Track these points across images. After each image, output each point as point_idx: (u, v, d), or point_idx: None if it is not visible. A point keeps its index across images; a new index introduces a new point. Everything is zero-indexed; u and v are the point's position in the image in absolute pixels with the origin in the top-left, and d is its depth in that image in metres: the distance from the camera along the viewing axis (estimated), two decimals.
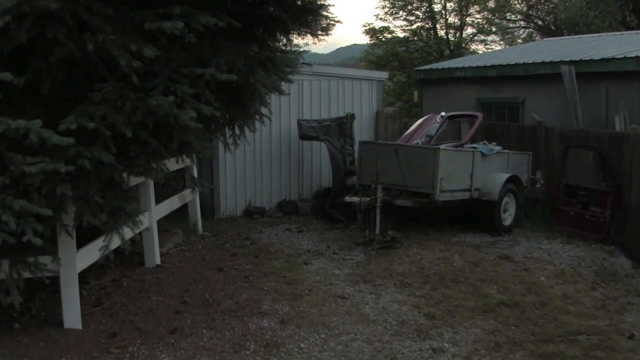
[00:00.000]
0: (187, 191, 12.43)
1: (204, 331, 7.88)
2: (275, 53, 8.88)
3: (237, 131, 9.87)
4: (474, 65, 18.83)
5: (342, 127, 15.19)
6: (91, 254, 7.92)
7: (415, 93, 21.43)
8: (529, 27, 39.57)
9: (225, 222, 14.42)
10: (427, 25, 35.33)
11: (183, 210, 12.68)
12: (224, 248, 11.98)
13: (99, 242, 7.65)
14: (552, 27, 36.30)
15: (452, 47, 34.72)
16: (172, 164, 10.10)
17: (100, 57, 6.37)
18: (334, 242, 12.59)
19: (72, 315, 7.70)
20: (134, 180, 7.88)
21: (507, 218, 13.72)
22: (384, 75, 17.62)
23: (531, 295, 9.53)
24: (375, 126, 16.92)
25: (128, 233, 7.82)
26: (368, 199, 12.43)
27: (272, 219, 14.96)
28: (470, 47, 35.95)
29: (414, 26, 35.22)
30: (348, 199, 12.64)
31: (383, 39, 35.43)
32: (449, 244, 12.54)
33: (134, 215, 7.04)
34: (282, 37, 9.43)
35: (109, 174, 6.50)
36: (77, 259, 7.54)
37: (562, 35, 30.52)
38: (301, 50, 10.30)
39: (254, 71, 8.12)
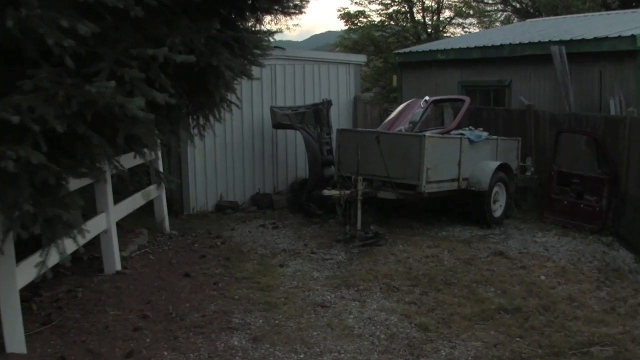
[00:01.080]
0: (152, 187, 11.35)
1: (165, 353, 6.79)
2: (242, 33, 7.74)
3: (201, 121, 8.74)
4: (457, 47, 17.82)
5: (318, 114, 14.12)
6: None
7: (395, 77, 20.36)
8: (506, 10, 38.70)
9: (196, 219, 13.34)
10: (404, 9, 34.25)
11: (149, 206, 11.62)
12: (193, 249, 10.89)
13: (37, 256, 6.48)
14: (530, 10, 35.42)
15: (429, 31, 33.76)
16: (128, 160, 8.99)
17: (28, 36, 5.23)
18: (312, 239, 11.55)
19: (14, 338, 6.57)
20: (77, 183, 6.69)
21: (498, 209, 12.80)
22: (361, 58, 16.54)
23: (533, 298, 8.58)
24: (354, 113, 15.84)
25: (70, 245, 6.64)
26: (348, 192, 11.35)
27: (245, 214, 13.89)
28: (447, 31, 34.96)
29: (390, 10, 34.21)
30: (326, 192, 11.55)
31: (359, 24, 34.37)
32: (437, 239, 11.56)
33: (74, 226, 5.86)
34: (251, 17, 8.31)
35: (43, 177, 5.36)
36: (17, 275, 6.43)
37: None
38: (273, 31, 9.18)
39: (218, 52, 7.05)
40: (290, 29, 38.05)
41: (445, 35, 33.92)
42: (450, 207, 13.14)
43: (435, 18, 34.73)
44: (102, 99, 5.21)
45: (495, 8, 38.70)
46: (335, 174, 12.72)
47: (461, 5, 34.58)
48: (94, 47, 6.01)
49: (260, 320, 7.71)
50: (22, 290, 6.64)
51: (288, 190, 14.84)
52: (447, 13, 35.55)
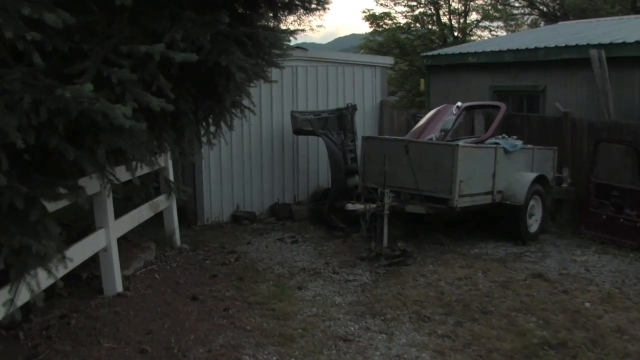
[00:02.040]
0: (161, 197, 10.36)
1: None
2: (256, 29, 6.71)
3: (212, 128, 7.72)
4: (488, 49, 16.67)
5: (342, 119, 13.05)
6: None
7: (422, 81, 19.28)
8: (532, 14, 37.53)
9: (210, 230, 12.33)
10: (430, 11, 33.16)
11: (160, 216, 10.70)
12: (204, 266, 9.86)
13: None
14: (558, 14, 34.21)
15: (456, 34, 32.63)
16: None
17: None
18: (334, 257, 10.48)
19: None
20: (53, 206, 5.62)
21: (533, 224, 11.72)
22: (388, 60, 15.39)
23: (578, 329, 7.49)
24: (379, 118, 14.74)
25: (44, 280, 5.59)
26: (374, 205, 10.30)
27: (263, 225, 12.85)
28: (474, 34, 33.87)
29: (416, 12, 33.12)
30: (350, 206, 10.50)
31: (384, 26, 33.29)
32: (470, 257, 10.47)
33: (48, 258, 4.80)
34: (268, 11, 7.28)
35: (8, 200, 4.33)
36: None
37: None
38: (294, 30, 8.15)
39: (228, 51, 6.02)
40: (314, 29, 37.45)
41: (472, 38, 32.85)
42: (480, 218, 12.06)
43: (462, 21, 33.61)
44: (78, 106, 4.18)
45: (522, 11, 37.66)
46: (359, 184, 11.66)
47: (488, 7, 33.44)
48: (79, 43, 5.01)
49: (274, 358, 6.66)
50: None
51: (309, 201, 13.81)
52: (473, 16, 34.60)
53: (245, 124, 12.74)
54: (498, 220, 11.73)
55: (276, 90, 13.23)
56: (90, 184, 6.75)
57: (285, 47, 7.74)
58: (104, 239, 8.12)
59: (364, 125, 14.28)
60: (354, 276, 9.47)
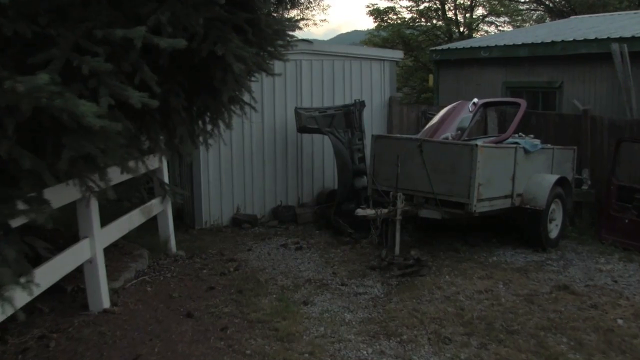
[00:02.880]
0: (155, 201, 9.49)
1: None
2: (258, 15, 5.82)
3: (208, 127, 6.83)
4: (501, 43, 15.75)
5: (349, 116, 12.17)
6: None
7: (431, 77, 18.40)
8: (538, 9, 36.68)
9: (208, 235, 11.46)
10: (435, 5, 32.25)
11: (154, 220, 9.84)
12: (200, 276, 8.99)
13: None
14: (564, 10, 33.34)
15: (461, 30, 31.75)
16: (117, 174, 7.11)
17: None
18: (342, 265, 9.62)
19: None
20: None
21: (553, 229, 10.86)
22: (397, 54, 14.44)
23: (614, 352, 6.69)
24: (388, 115, 13.84)
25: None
26: (385, 211, 9.42)
27: (265, 229, 11.97)
28: (480, 29, 33.02)
29: (421, 6, 32.16)
30: (360, 212, 9.57)
31: (388, 21, 32.41)
32: (488, 266, 9.62)
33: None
34: None
35: None
36: None
37: None
38: (298, 19, 7.31)
39: (225, 38, 5.15)
40: (317, 23, 36.34)
41: (478, 34, 31.99)
42: (496, 223, 11.24)
43: (467, 15, 32.72)
44: (33, 102, 3.29)
45: (529, 7, 36.81)
46: (369, 187, 10.78)
47: (495, 2, 32.55)
48: (45, 27, 4.14)
49: None
50: None
51: (314, 203, 12.91)
52: (479, 11, 33.72)
53: (246, 122, 11.85)
54: (516, 225, 10.93)
55: (279, 86, 12.37)
56: (67, 191, 5.88)
57: (289, 37, 6.89)
58: (88, 250, 7.27)
59: (372, 122, 13.40)
60: (365, 288, 8.60)
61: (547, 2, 35.62)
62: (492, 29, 33.99)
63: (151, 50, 4.58)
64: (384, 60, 13.68)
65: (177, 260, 9.67)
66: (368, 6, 34.52)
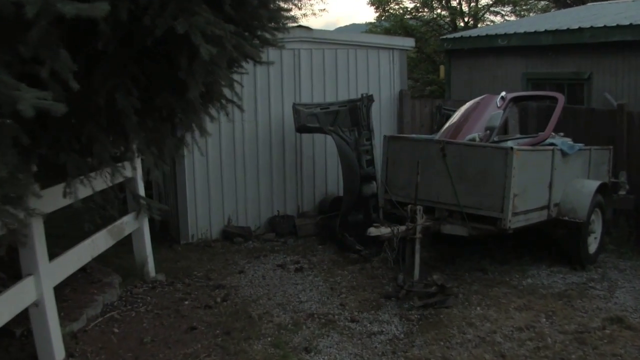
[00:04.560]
0: (127, 218, 7.86)
1: None
2: None
3: (179, 133, 5.16)
4: (521, 31, 14.06)
5: (355, 113, 10.46)
6: None
7: (442, 68, 16.73)
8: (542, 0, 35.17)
9: (195, 251, 9.84)
10: None
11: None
12: (180, 310, 7.33)
13: None
14: (569, 1, 31.81)
15: (466, 20, 30.10)
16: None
17: None
18: (351, 293, 7.96)
19: None
20: None
21: (592, 243, 9.23)
22: (408, 42, 12.62)
23: None
24: (399, 111, 12.06)
25: None
26: (402, 228, 7.76)
27: (260, 243, 10.30)
28: (486, 19, 31.32)
29: None
30: (374, 231, 7.85)
31: (390, 10, 30.72)
32: (524, 292, 8.00)
33: None
34: None
35: None
36: None
37: None
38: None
39: (190, 10, 3.46)
40: (317, 14, 34.38)
41: (484, 24, 30.35)
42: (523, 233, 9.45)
43: (472, 5, 31.04)
44: None
45: None
46: (379, 196, 9.13)
47: None
48: None
49: None
50: None
51: (316, 212, 11.21)
52: (484, 0, 32.02)
53: (237, 120, 10.22)
54: (547, 235, 9.34)
55: (275, 78, 10.70)
56: None
57: (284, 18, 5.29)
58: (33, 291, 5.63)
59: (380, 119, 11.66)
60: (380, 325, 6.93)
61: None
62: (497, 18, 32.36)
63: (81, 29, 2.95)
64: (393, 48, 11.92)
65: (155, 288, 8.03)
66: None
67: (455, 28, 29.00)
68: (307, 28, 11.04)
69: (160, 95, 4.25)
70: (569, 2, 31.99)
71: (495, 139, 8.87)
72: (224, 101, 5.15)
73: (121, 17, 3.38)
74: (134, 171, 7.81)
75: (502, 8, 32.21)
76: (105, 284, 7.66)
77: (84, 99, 4.00)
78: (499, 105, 9.48)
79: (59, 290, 6.56)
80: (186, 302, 7.56)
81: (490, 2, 31.53)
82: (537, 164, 8.37)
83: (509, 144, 8.48)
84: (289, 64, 10.77)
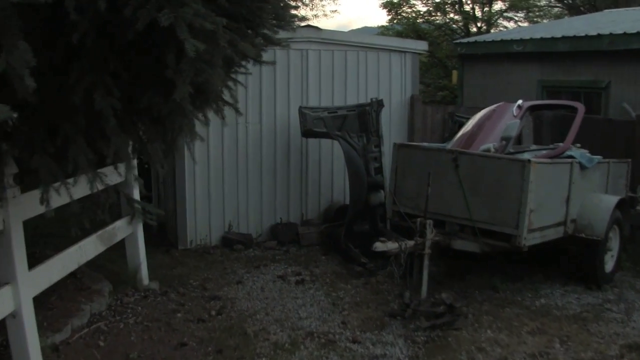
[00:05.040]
0: (120, 223, 7.41)
1: None
2: None
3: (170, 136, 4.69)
4: (537, 36, 13.55)
5: (364, 118, 9.97)
6: None
7: (455, 73, 16.21)
8: (556, 6, 34.64)
9: (193, 258, 9.38)
10: None
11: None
12: (172, 324, 6.85)
13: None
14: (582, 8, 31.37)
15: (479, 25, 29.61)
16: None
17: None
18: (354, 310, 7.47)
19: None
20: None
21: (609, 261, 8.73)
22: (421, 45, 12.10)
23: None
24: (410, 117, 11.55)
25: None
26: (411, 243, 7.27)
27: (260, 251, 9.83)
28: (499, 24, 30.89)
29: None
30: (380, 246, 7.33)
31: (402, 14, 30.29)
32: (537, 314, 7.50)
33: None
34: None
35: None
36: None
37: None
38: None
39: (176, 0, 2.99)
40: (328, 15, 33.76)
41: (497, 30, 29.88)
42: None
43: (486, 9, 30.56)
44: None
45: (548, 2, 34.76)
46: (388, 206, 8.65)
47: None
48: None
49: None
50: None
51: (320, 220, 10.71)
52: (497, 5, 31.57)
53: (240, 122, 9.76)
54: (561, 251, 8.78)
55: (281, 80, 10.22)
56: None
57: (289, 16, 4.85)
58: (10, 301, 5.18)
59: (390, 125, 11.16)
60: (383, 347, 6.44)
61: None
62: (510, 24, 31.87)
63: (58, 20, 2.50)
64: (405, 51, 11.40)
65: (147, 297, 7.56)
66: None
67: (468, 33, 28.60)
68: (316, 28, 10.57)
69: (145, 95, 3.78)
70: (582, 9, 31.62)
71: (511, 150, 8.37)
72: (220, 103, 4.67)
73: (99, 7, 2.91)
74: (129, 173, 7.36)
75: (516, 14, 31.77)
76: (94, 292, 7.21)
77: (60, 97, 3.55)
78: (515, 114, 8.97)
79: (44, 297, 6.16)
80: (179, 315, 7.10)
81: (504, 8, 31.06)
82: (554, 177, 7.88)
83: (526, 155, 7.99)
84: (296, 65, 10.28)
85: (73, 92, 3.38)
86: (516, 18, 32.25)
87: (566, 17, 31.79)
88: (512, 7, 30.81)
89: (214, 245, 9.96)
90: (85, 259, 6.58)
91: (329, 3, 59.47)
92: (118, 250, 7.84)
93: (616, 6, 26.67)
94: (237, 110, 5.09)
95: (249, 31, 4.58)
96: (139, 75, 3.79)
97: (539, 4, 33.96)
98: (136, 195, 7.66)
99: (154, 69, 3.68)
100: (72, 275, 6.91)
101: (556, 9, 35.01)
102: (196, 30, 3.07)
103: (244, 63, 5.33)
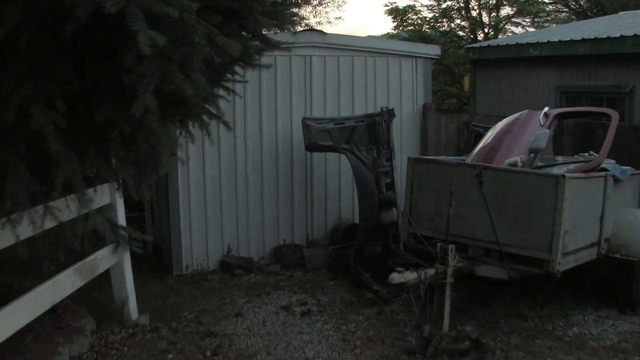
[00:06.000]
0: (103, 252, 6.54)
1: None
2: None
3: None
4: (555, 39, 12.71)
5: (374, 129, 9.11)
6: None
7: (466, 79, 15.40)
8: (563, 11, 33.92)
9: (188, 285, 8.54)
10: (458, 4, 29.32)
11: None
12: None
13: None
14: (588, 13, 30.65)
15: (486, 31, 28.86)
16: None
17: None
18: (367, 347, 6.58)
19: None
20: None
21: None
22: (433, 50, 11.16)
23: None
24: (422, 127, 10.64)
25: None
26: (431, 272, 6.40)
27: (263, 277, 8.96)
28: (507, 30, 30.09)
29: (444, 5, 29.19)
30: (396, 278, 6.39)
31: (408, 20, 29.53)
32: (571, 345, 6.66)
33: None
34: None
35: None
36: None
37: None
38: None
39: None
40: (332, 22, 32.84)
41: (505, 35, 29.14)
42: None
43: (493, 15, 29.82)
44: None
45: (555, 7, 34.01)
46: (402, 228, 7.80)
47: (524, 0, 29.66)
48: None
49: None
50: None
51: (327, 240, 9.81)
52: (505, 11, 30.79)
53: (239, 136, 8.94)
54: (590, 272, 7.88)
55: (283, 88, 9.38)
56: None
57: (288, 14, 4.05)
58: None
59: (401, 136, 10.25)
60: None
61: (571, 5, 32.99)
62: (518, 30, 31.12)
63: None
64: (416, 56, 10.51)
65: (135, 334, 6.72)
66: (386, 5, 31.43)
67: (475, 39, 27.87)
68: (321, 32, 9.70)
69: (104, 108, 2.92)
70: (589, 14, 30.89)
71: (539, 163, 7.48)
72: (206, 117, 3.81)
73: None
74: (112, 196, 6.53)
75: (524, 19, 31.06)
76: (75, 330, 6.36)
77: None
78: (542, 123, 8.08)
79: (18, 337, 5.35)
80: (170, 356, 6.24)
81: (511, 13, 30.37)
82: (589, 193, 7.02)
83: (556, 170, 7.14)
84: (299, 72, 9.42)
85: (5, 105, 2.52)
86: (524, 23, 31.62)
87: (574, 21, 31.15)
88: (520, 12, 30.08)
89: (212, 270, 9.10)
90: (60, 297, 5.75)
91: (332, 10, 58.63)
92: (107, 276, 7.00)
93: (625, 10, 25.94)
94: (225, 125, 4.24)
95: (243, 33, 3.77)
96: (97, 84, 2.94)
97: (546, 9, 33.32)
98: (121, 219, 6.82)
99: (116, 75, 2.83)
100: (52, 310, 6.09)
101: (563, 14, 34.37)
102: (157, 19, 2.23)
103: (236, 69, 4.51)
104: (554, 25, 31.99)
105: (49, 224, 4.29)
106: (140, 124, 2.85)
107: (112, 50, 2.73)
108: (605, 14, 27.91)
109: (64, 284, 5.77)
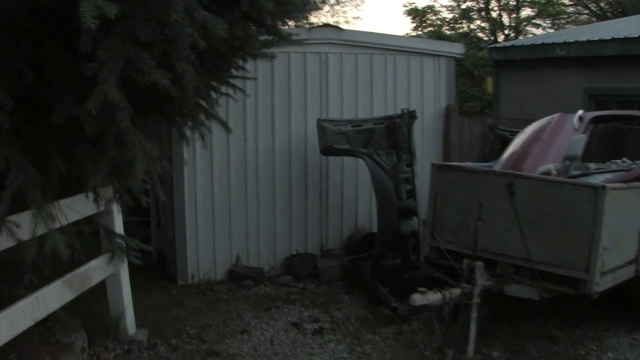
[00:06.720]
0: (97, 262, 5.97)
1: None
2: None
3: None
4: (583, 39, 12.02)
5: (394, 133, 8.47)
6: None
7: (489, 81, 14.73)
8: (583, 13, 33.42)
9: (193, 296, 7.97)
10: (478, 5, 28.82)
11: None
12: None
13: None
14: (609, 14, 30.07)
15: (507, 32, 28.33)
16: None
17: None
18: None
19: None
20: None
21: None
22: (457, 48, 10.47)
23: None
24: (445, 130, 9.98)
25: None
26: (456, 292, 5.77)
27: (273, 288, 8.36)
28: (527, 32, 29.59)
29: (464, 6, 28.70)
30: (419, 299, 5.77)
31: (427, 21, 29.11)
32: None
33: None
34: None
35: None
36: None
37: None
38: None
39: None
40: (350, 21, 32.16)
41: (524, 37, 28.70)
42: None
43: (513, 16, 29.33)
44: None
45: (575, 9, 33.51)
46: (423, 241, 7.17)
47: (544, 2, 29.14)
48: None
49: None
50: None
51: (342, 250, 9.18)
52: (525, 12, 30.29)
53: (250, 138, 8.37)
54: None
55: (297, 88, 8.79)
56: None
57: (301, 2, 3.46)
58: None
59: (423, 140, 9.57)
60: None
61: (591, 6, 32.43)
62: (539, 31, 30.61)
63: None
64: (439, 55, 9.83)
65: (131, 352, 6.14)
66: (405, 5, 30.94)
67: (496, 40, 27.44)
68: (337, 28, 9.12)
69: (62, 102, 2.32)
70: (609, 15, 30.39)
71: (575, 172, 6.83)
72: (201, 117, 3.20)
73: None
74: (109, 204, 5.94)
75: (544, 20, 30.61)
76: (64, 347, 5.76)
77: None
78: (576, 128, 7.42)
79: (1, 353, 4.79)
80: None
81: (532, 14, 29.91)
82: (629, 205, 6.37)
83: (592, 179, 6.50)
84: (314, 70, 8.82)
85: None
86: (544, 25, 31.14)
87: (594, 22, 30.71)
88: (540, 14, 29.64)
89: (219, 281, 8.53)
90: (44, 313, 5.16)
91: (350, 9, 58.00)
92: (97, 296, 6.44)
93: None
94: (224, 126, 3.64)
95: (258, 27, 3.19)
96: (57, 74, 2.33)
97: (567, 10, 32.86)
98: (118, 227, 6.23)
99: (77, 63, 2.22)
100: (43, 323, 5.52)
101: (584, 16, 33.88)
102: None
103: (241, 63, 3.92)
104: (573, 26, 31.56)
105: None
106: (109, 123, 2.25)
107: (71, 31, 2.14)
108: (626, 15, 27.38)
109: (49, 298, 5.18)
